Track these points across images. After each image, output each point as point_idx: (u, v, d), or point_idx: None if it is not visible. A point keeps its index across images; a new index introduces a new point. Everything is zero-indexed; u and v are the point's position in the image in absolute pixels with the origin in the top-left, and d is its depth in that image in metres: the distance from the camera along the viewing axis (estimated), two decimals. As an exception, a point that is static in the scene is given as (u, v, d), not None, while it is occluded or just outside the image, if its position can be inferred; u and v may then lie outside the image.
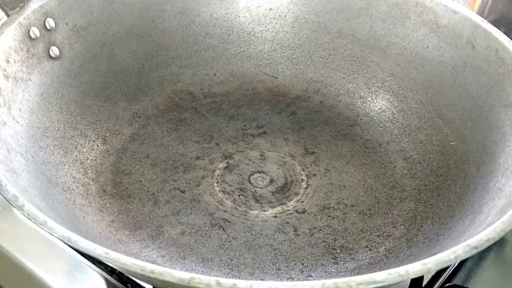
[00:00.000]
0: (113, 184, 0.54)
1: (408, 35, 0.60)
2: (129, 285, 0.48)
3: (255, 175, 0.56)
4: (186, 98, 0.63)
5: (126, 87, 0.60)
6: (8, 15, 0.51)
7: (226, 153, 0.58)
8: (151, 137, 0.59)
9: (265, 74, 0.65)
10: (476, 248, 0.35)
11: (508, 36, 0.52)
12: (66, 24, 0.55)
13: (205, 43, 0.64)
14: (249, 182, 0.56)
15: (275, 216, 0.53)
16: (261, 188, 0.55)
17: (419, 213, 0.52)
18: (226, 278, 0.46)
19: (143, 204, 0.53)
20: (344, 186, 0.56)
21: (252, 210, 0.53)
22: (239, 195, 0.54)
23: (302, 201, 0.54)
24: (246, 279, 0.47)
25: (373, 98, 0.62)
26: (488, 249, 0.36)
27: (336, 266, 0.49)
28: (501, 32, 0.53)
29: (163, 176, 0.56)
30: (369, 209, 0.54)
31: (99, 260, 0.48)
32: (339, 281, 0.32)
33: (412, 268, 0.34)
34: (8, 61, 0.48)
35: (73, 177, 0.52)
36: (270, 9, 0.65)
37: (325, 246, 0.50)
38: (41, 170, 0.48)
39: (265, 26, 0.65)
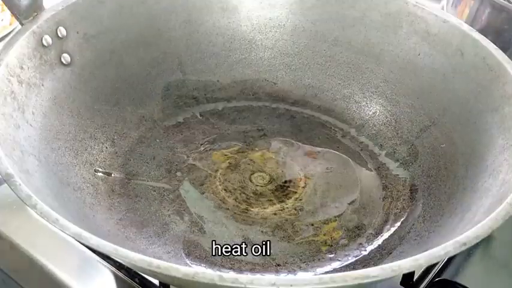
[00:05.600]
0: (121, 184, 0.54)
1: (401, 43, 0.60)
2: (136, 280, 0.48)
3: (256, 174, 0.56)
4: (190, 103, 0.63)
5: (134, 92, 0.60)
6: (22, 24, 0.51)
7: (228, 154, 0.58)
8: (157, 139, 0.59)
9: (265, 79, 0.65)
10: (465, 244, 0.35)
11: (495, 44, 0.52)
12: (77, 32, 0.55)
13: (208, 51, 0.64)
14: (250, 181, 0.56)
15: (274, 214, 0.53)
16: (262, 186, 0.55)
17: (411, 211, 0.52)
18: (228, 273, 0.46)
19: (150, 203, 0.53)
20: (340, 185, 0.56)
21: (252, 207, 0.53)
22: (240, 193, 0.54)
23: (300, 200, 0.54)
24: (247, 275, 0.47)
25: (368, 102, 0.62)
26: (476, 245, 0.36)
27: (332, 261, 0.49)
28: (488, 40, 0.53)
29: (169, 176, 0.56)
30: (364, 208, 0.54)
31: (108, 256, 0.48)
32: (336, 276, 0.32)
33: (404, 264, 0.34)
34: (22, 67, 0.48)
35: (83, 177, 0.52)
36: (270, 18, 0.65)
37: (321, 243, 0.50)
38: (53, 170, 0.48)
39: (266, 34, 0.65)
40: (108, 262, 0.49)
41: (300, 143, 0.60)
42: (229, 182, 0.55)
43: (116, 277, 0.49)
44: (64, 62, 0.53)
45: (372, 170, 0.58)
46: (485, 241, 0.51)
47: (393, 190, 0.55)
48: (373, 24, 0.61)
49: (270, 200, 0.54)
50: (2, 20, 0.75)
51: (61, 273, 0.49)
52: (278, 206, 0.53)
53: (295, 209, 0.53)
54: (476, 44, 0.53)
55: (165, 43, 0.62)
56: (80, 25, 0.55)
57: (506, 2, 0.61)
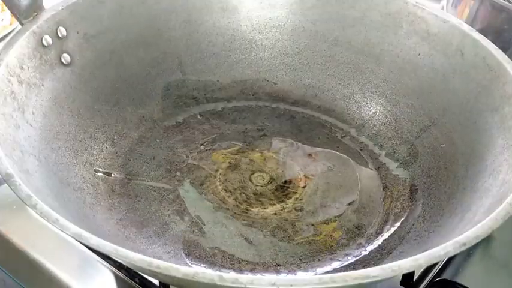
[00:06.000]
0: (121, 184, 0.54)
1: (401, 43, 0.60)
2: (136, 280, 0.48)
3: (256, 174, 0.56)
4: (190, 103, 0.63)
5: (134, 92, 0.60)
6: (22, 24, 0.51)
7: (228, 154, 0.58)
8: (157, 139, 0.59)
9: (265, 79, 0.65)
10: (465, 244, 0.35)
11: (495, 44, 0.52)
12: (77, 32, 0.55)
13: (208, 51, 0.64)
14: (250, 181, 0.56)
15: (274, 214, 0.53)
16: (262, 186, 0.55)
17: (411, 211, 0.52)
18: (228, 273, 0.46)
19: (150, 203, 0.53)
20: (340, 185, 0.56)
21: (252, 207, 0.53)
22: (240, 193, 0.54)
23: (300, 199, 0.54)
24: (247, 275, 0.47)
25: (368, 102, 0.62)
26: (476, 245, 0.36)
27: (332, 261, 0.49)
28: (488, 40, 0.53)
29: (169, 176, 0.56)
30: (364, 208, 0.54)
31: (108, 256, 0.48)
32: (336, 275, 0.32)
33: (404, 264, 0.34)
34: (22, 67, 0.48)
35: (83, 177, 0.52)
36: (270, 18, 0.65)
37: (321, 243, 0.50)
38: (53, 170, 0.48)
39: (266, 34, 0.65)
40: (108, 262, 0.49)
41: (300, 143, 0.60)
42: (229, 182, 0.55)
43: (116, 277, 0.49)
44: (64, 62, 0.53)
45: (372, 170, 0.58)
46: (485, 241, 0.51)
47: (393, 190, 0.55)
48: (373, 24, 0.61)
49: (270, 200, 0.54)
50: (2, 20, 0.75)
51: (61, 273, 0.49)
52: (278, 206, 0.53)
53: (295, 209, 0.53)
54: (476, 44, 0.53)
55: (165, 43, 0.62)
56: (80, 25, 0.55)
57: (506, 2, 0.61)
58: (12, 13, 0.51)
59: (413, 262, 0.34)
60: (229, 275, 0.32)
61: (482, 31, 0.54)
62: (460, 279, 0.48)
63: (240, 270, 0.48)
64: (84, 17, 0.55)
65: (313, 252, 0.49)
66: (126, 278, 0.49)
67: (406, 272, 0.34)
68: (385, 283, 0.39)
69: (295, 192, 0.55)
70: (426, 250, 0.35)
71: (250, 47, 0.65)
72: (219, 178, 0.56)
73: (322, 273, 0.47)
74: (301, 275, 0.47)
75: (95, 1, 0.56)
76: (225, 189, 0.54)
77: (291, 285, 0.31)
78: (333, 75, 0.64)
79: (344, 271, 0.42)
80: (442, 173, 0.53)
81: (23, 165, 0.42)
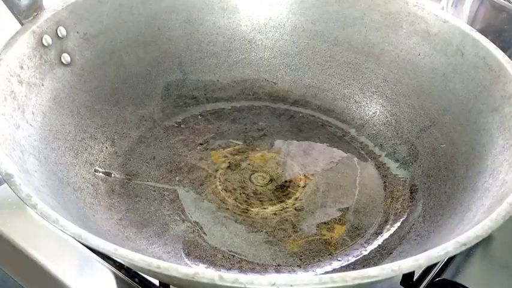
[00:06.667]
0: (121, 184, 0.54)
1: (401, 43, 0.60)
2: (136, 280, 0.48)
3: (256, 174, 0.56)
4: (190, 103, 0.63)
5: (134, 92, 0.60)
6: (22, 24, 0.51)
7: (228, 154, 0.58)
8: (157, 139, 0.59)
9: (265, 79, 0.65)
10: (465, 244, 0.35)
11: (495, 44, 0.52)
12: (77, 32, 0.55)
13: (208, 50, 0.64)
14: (250, 181, 0.56)
15: (275, 214, 0.53)
16: (262, 186, 0.55)
17: (411, 211, 0.52)
18: (228, 273, 0.46)
19: (150, 203, 0.53)
20: (340, 185, 0.56)
21: (252, 207, 0.53)
22: (240, 194, 0.54)
23: (300, 200, 0.54)
24: (247, 275, 0.47)
25: (368, 102, 0.62)
26: (476, 245, 0.36)
27: (332, 261, 0.49)
28: (488, 40, 0.53)
29: (169, 176, 0.56)
30: (364, 208, 0.54)
31: (108, 256, 0.48)
32: (336, 275, 0.32)
33: (404, 264, 0.34)
34: (22, 67, 0.48)
35: (83, 177, 0.52)
36: (270, 18, 0.65)
37: (322, 243, 0.50)
38: (53, 170, 0.48)
39: (266, 34, 0.65)
40: (108, 262, 0.49)
41: (300, 143, 0.60)
42: (229, 182, 0.55)
43: (116, 277, 0.49)
44: (64, 61, 0.53)
45: (371, 170, 0.58)
46: (485, 241, 0.51)
47: (393, 190, 0.55)
48: (373, 24, 0.61)
49: (270, 200, 0.54)
50: (2, 19, 0.75)
51: (61, 273, 0.49)
52: (278, 206, 0.53)
53: (295, 209, 0.53)
54: (476, 44, 0.53)
55: (165, 43, 0.62)
56: (80, 25, 0.55)
57: (506, 2, 0.61)
58: (12, 13, 0.51)
59: (413, 262, 0.34)
60: (229, 275, 0.32)
61: (482, 31, 0.54)
62: (460, 279, 0.48)
63: (240, 270, 0.48)
64: (84, 17, 0.55)
65: (313, 252, 0.49)
66: (126, 278, 0.49)
67: (406, 272, 0.34)
68: (385, 283, 0.39)
69: (295, 192, 0.55)
70: (426, 250, 0.35)
71: (250, 47, 0.65)
72: (219, 178, 0.56)
73: (322, 273, 0.48)
74: (301, 275, 0.47)
75: (95, 1, 0.56)
76: (225, 189, 0.55)
77: (291, 285, 0.31)
78: (333, 75, 0.64)
79: (344, 271, 0.42)
80: (442, 173, 0.53)
81: (23, 165, 0.42)
